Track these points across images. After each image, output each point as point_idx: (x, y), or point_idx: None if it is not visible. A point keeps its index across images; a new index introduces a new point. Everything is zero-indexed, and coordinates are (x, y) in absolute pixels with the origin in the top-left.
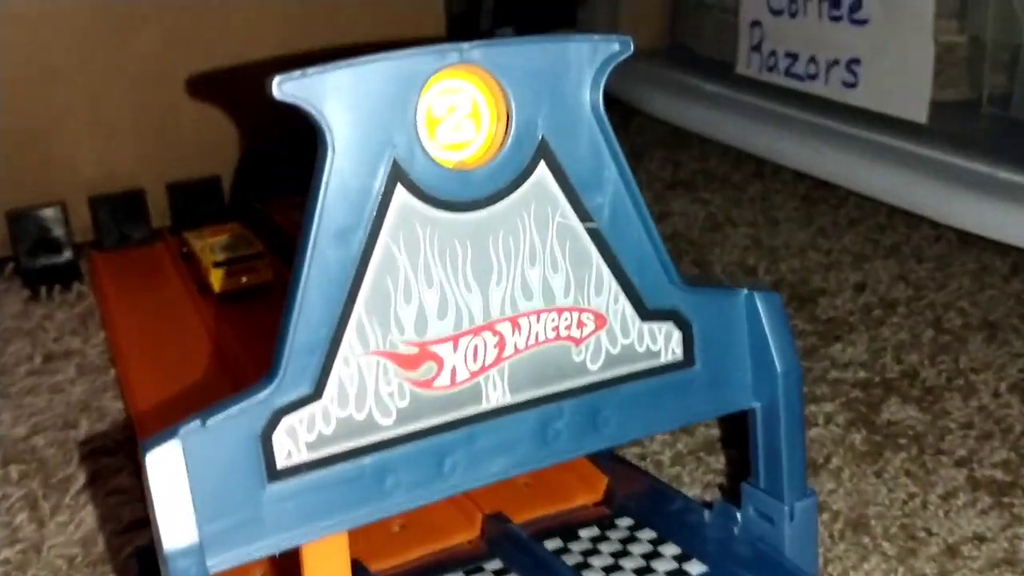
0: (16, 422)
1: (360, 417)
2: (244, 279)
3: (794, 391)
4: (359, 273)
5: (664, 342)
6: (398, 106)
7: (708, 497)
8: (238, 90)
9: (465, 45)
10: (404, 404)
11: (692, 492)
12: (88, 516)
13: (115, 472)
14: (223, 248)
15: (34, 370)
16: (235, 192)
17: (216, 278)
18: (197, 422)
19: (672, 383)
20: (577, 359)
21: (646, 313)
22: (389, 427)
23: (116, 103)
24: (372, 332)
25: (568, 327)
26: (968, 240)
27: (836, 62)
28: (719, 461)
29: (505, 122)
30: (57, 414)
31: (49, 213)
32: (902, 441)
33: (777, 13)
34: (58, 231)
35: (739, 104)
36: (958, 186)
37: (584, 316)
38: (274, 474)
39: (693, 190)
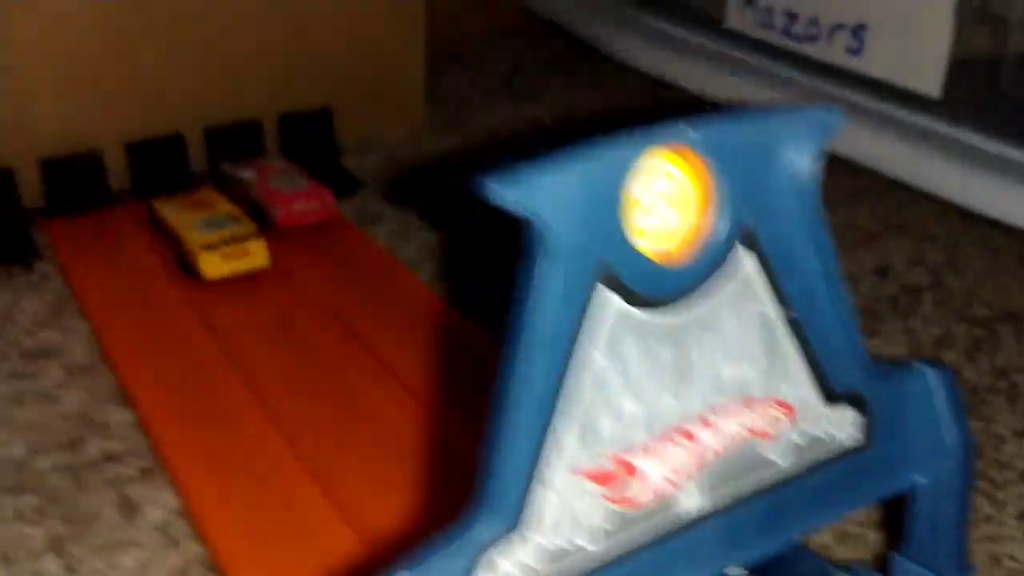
0: (8, 441)
1: (564, 544)
2: (237, 264)
3: (966, 468)
4: (565, 386)
5: (845, 426)
6: (607, 198)
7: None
8: (207, 40)
9: (683, 126)
10: (608, 525)
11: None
12: (128, 561)
13: (149, 501)
14: (208, 225)
15: (14, 372)
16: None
17: (207, 264)
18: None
19: (850, 467)
20: (766, 455)
21: (831, 397)
22: (596, 553)
23: (70, 54)
24: (574, 449)
25: (760, 422)
26: (972, 216)
27: (841, 26)
28: None
29: (711, 207)
30: (55, 430)
31: None
32: None
33: None
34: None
35: (728, 59)
36: (972, 164)
37: (774, 409)
38: None
39: None
